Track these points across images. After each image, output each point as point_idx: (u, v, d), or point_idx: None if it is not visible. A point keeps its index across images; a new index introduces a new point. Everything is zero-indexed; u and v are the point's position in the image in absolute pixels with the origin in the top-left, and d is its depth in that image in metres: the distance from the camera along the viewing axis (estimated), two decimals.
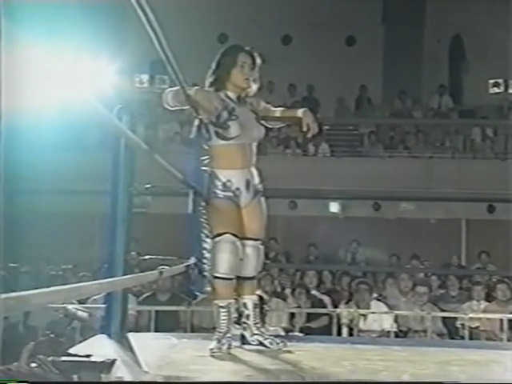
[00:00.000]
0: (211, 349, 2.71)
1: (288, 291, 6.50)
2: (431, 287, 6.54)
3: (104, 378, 1.99)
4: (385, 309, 5.78)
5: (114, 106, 2.75)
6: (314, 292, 6.44)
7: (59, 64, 1.33)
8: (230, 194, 2.84)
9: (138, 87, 11.44)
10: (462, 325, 5.56)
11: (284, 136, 12.03)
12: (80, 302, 4.76)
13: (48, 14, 8.96)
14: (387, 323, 5.57)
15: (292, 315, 5.77)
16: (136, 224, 3.08)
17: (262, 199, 2.96)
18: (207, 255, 2.95)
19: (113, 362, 2.10)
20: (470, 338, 5.32)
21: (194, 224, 3.12)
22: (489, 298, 6.25)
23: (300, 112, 2.94)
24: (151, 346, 2.87)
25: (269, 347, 2.84)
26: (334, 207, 11.54)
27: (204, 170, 2.90)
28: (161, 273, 2.72)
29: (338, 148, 12.17)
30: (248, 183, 2.88)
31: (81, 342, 2.67)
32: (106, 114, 1.78)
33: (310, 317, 5.85)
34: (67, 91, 1.39)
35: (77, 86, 1.43)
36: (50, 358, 1.96)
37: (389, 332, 5.50)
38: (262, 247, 2.94)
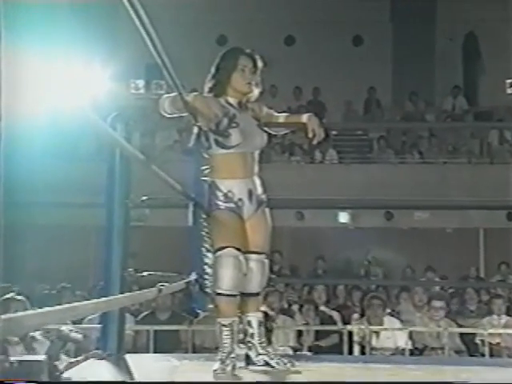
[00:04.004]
0: (215, 370, 2.70)
1: (295, 307, 6.49)
2: (448, 301, 6.52)
3: None
4: (399, 325, 5.77)
5: (108, 114, 2.77)
6: (323, 308, 6.42)
7: (52, 70, 1.34)
8: (232, 205, 2.84)
9: (134, 93, 11.48)
10: (482, 341, 5.55)
11: (289, 143, 12.05)
12: (75, 323, 4.76)
13: (40, 19, 9.00)
14: (401, 340, 5.55)
15: (300, 333, 5.76)
16: (133, 238, 3.09)
17: (266, 210, 2.96)
18: (209, 270, 2.95)
19: None
20: (491, 356, 5.30)
21: (194, 238, 3.12)
22: (510, 312, 6.24)
23: (305, 117, 2.96)
24: (150, 369, 2.87)
25: (275, 367, 2.83)
26: (344, 217, 11.53)
27: (204, 181, 2.91)
28: (160, 290, 2.72)
29: (346, 154, 12.18)
30: (251, 193, 2.88)
31: (75, 364, 2.67)
32: (100, 122, 1.79)
33: (319, 334, 5.84)
34: (60, 99, 1.41)
35: (70, 94, 1.44)
36: None
37: (403, 350, 5.48)
38: (266, 261, 2.94)
